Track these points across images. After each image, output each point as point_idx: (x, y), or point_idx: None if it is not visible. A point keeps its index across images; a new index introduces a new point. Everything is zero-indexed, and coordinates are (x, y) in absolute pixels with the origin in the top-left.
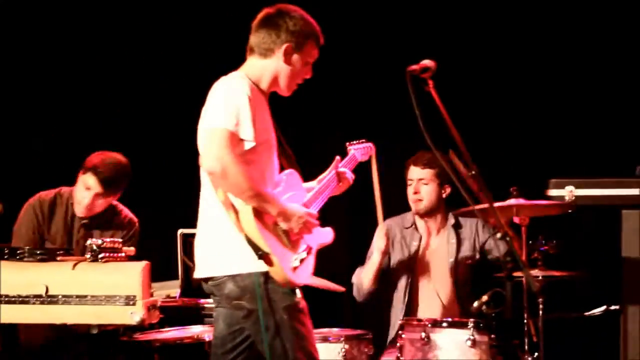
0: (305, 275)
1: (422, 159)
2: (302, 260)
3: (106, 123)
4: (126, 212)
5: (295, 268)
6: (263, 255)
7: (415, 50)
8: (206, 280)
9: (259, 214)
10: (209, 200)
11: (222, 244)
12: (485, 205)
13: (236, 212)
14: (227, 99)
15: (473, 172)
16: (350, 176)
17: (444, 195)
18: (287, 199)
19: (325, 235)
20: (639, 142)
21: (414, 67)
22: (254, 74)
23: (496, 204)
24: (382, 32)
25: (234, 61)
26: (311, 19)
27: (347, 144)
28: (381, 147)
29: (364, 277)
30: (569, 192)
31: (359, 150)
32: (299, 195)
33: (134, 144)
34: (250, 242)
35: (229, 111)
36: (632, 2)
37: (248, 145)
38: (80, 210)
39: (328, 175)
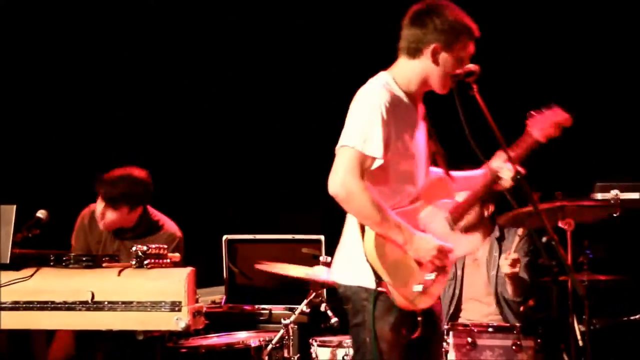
0: (432, 297)
1: None
2: (429, 283)
3: (151, 132)
4: (168, 225)
5: (420, 293)
6: (380, 284)
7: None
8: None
9: (379, 238)
10: None
11: (349, 252)
12: (531, 209)
13: (363, 233)
14: (359, 115)
15: (521, 176)
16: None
17: (486, 214)
18: (427, 214)
19: (466, 244)
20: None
21: (458, 71)
22: (403, 75)
23: (543, 206)
24: None
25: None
26: (462, 14)
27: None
28: None
29: None
30: (614, 195)
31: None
32: (442, 205)
33: (181, 150)
34: (371, 267)
35: (358, 128)
36: None
37: (377, 162)
38: (100, 224)
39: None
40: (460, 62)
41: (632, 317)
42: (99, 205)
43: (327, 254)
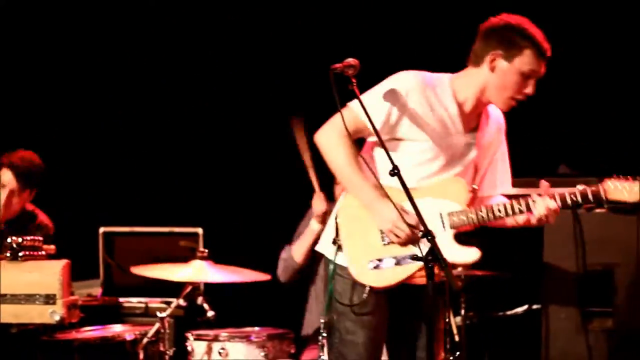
0: (389, 279)
1: None
2: (386, 262)
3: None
4: (42, 217)
5: (376, 266)
6: (336, 243)
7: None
8: None
9: (357, 202)
10: None
11: (328, 223)
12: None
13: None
14: (379, 89)
15: (395, 171)
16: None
17: None
18: (422, 204)
19: (456, 253)
20: (562, 141)
21: (337, 65)
22: (460, 80)
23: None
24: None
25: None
26: (533, 30)
27: None
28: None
29: (295, 251)
30: None
31: None
32: (444, 204)
33: (57, 140)
34: (336, 225)
35: (370, 95)
36: None
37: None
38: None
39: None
40: (525, 79)
41: (507, 312)
42: (2, 189)
43: (205, 247)
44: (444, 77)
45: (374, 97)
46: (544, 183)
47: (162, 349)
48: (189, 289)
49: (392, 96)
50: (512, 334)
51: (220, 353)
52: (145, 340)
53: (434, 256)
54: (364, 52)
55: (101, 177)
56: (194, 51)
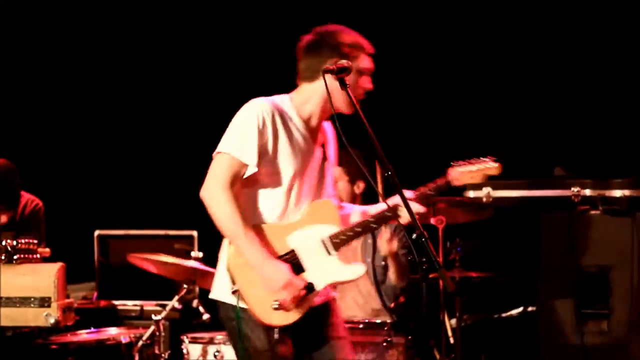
0: (294, 314)
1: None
2: (290, 301)
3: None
4: (27, 195)
5: (277, 309)
6: (236, 292)
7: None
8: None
9: None
10: None
11: (219, 267)
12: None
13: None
14: (238, 123)
15: (389, 172)
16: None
17: (357, 191)
18: (302, 235)
19: (345, 272)
20: (558, 143)
21: (330, 66)
22: (300, 98)
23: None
24: None
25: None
26: (352, 33)
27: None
28: None
29: None
30: (486, 193)
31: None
32: (321, 229)
33: (52, 144)
34: (230, 275)
35: (234, 136)
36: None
37: (251, 170)
38: None
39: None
40: (361, 76)
41: (502, 314)
42: None
43: (199, 249)
44: (285, 98)
45: (240, 134)
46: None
47: (157, 351)
48: (184, 291)
49: (256, 127)
50: (508, 336)
51: (215, 356)
52: (140, 343)
53: (428, 258)
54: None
55: (97, 180)
56: (190, 55)
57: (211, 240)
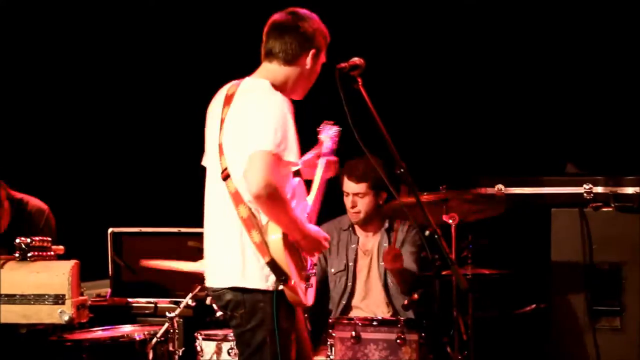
0: (312, 294)
1: (355, 171)
2: (308, 285)
3: (35, 122)
4: (33, 201)
5: (306, 288)
6: (286, 280)
7: (341, 49)
8: (214, 290)
9: (286, 237)
10: (228, 214)
11: (237, 257)
12: (413, 200)
13: (261, 233)
14: (273, 119)
15: (402, 170)
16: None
17: (380, 202)
18: (299, 211)
19: None
20: (570, 140)
21: (343, 64)
22: (279, 81)
23: (426, 199)
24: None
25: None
26: (319, 20)
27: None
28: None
29: None
30: (498, 189)
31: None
32: (305, 205)
33: (66, 142)
34: (275, 267)
35: (276, 133)
36: None
37: (294, 168)
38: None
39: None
40: (318, 68)
41: (515, 311)
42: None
43: None
44: (266, 83)
45: (283, 133)
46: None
47: (171, 348)
48: (197, 288)
49: (291, 124)
50: (520, 333)
51: (229, 353)
52: (154, 340)
53: (441, 256)
54: (369, 51)
55: (110, 178)
56: (200, 53)
57: None
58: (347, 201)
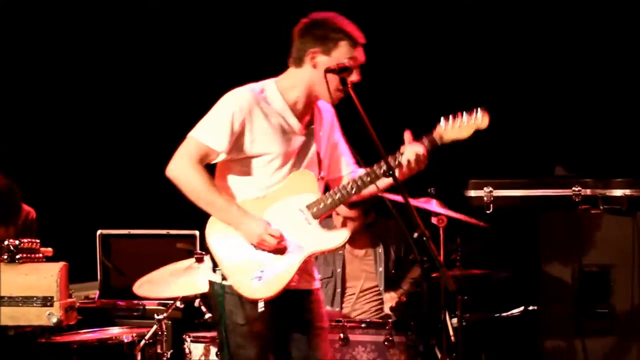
0: (275, 285)
1: None
2: (264, 277)
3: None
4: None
5: (260, 278)
6: (215, 267)
7: None
8: None
9: (216, 223)
10: None
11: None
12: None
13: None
14: (214, 110)
15: (391, 172)
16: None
17: (369, 220)
18: (280, 206)
19: (326, 241)
20: (558, 142)
21: (332, 66)
22: (286, 83)
23: (415, 203)
24: None
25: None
26: (343, 22)
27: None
28: None
29: None
30: (487, 192)
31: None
32: (300, 199)
33: (54, 144)
34: (210, 254)
35: (207, 122)
36: None
37: (221, 156)
38: None
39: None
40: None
41: (504, 314)
42: None
43: (202, 249)
44: (268, 84)
45: (213, 121)
46: (407, 134)
47: (159, 351)
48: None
49: (231, 116)
50: (509, 335)
51: (217, 355)
52: (142, 342)
53: (429, 257)
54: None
55: (99, 180)
56: (191, 56)
57: None
58: (337, 221)
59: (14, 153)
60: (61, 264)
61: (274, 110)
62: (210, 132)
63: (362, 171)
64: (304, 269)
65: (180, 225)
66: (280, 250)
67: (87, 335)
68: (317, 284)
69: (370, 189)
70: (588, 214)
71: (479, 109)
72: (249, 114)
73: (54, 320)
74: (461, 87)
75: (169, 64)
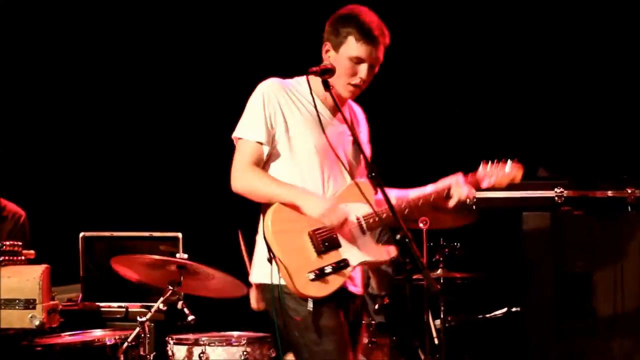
0: (329, 286)
1: None
2: (324, 275)
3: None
4: (10, 206)
5: (315, 276)
6: (272, 258)
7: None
8: None
9: (285, 216)
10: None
11: (256, 252)
12: (384, 205)
13: (264, 214)
14: (246, 108)
15: (373, 174)
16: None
17: None
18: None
19: (379, 253)
20: (541, 144)
21: (315, 68)
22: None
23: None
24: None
25: None
26: (360, 17)
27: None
28: None
29: None
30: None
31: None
32: (355, 207)
33: (36, 146)
34: (266, 243)
35: (242, 119)
36: None
37: (266, 150)
38: None
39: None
40: (356, 64)
41: (487, 315)
42: None
43: (185, 251)
44: (302, 79)
45: (247, 115)
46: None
47: (142, 353)
48: (169, 293)
49: (260, 104)
50: (492, 337)
51: (200, 357)
52: (125, 344)
53: (412, 259)
54: None
55: (82, 182)
56: (180, 58)
57: (196, 243)
58: None
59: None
60: (43, 266)
61: (304, 101)
62: (248, 126)
63: (415, 194)
64: (354, 275)
65: (164, 227)
66: (342, 229)
67: (70, 337)
68: (360, 291)
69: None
70: (570, 215)
71: (516, 164)
72: (276, 98)
73: (37, 323)
74: (447, 91)
75: (155, 70)
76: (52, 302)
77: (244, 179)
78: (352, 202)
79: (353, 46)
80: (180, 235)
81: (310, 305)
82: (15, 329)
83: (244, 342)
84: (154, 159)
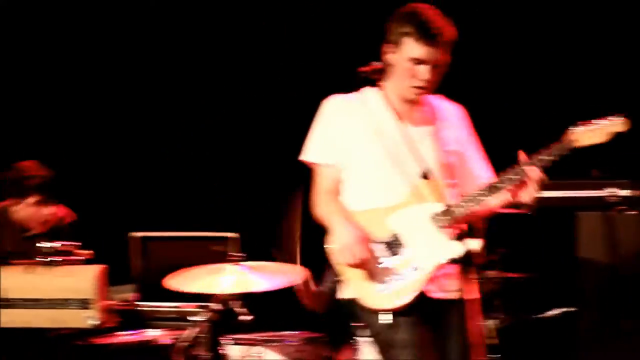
0: (400, 295)
1: None
2: (392, 285)
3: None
4: (64, 210)
5: (386, 287)
6: (338, 282)
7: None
8: None
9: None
10: None
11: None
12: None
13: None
14: (311, 129)
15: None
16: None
17: None
18: (409, 213)
19: (453, 249)
20: (595, 146)
21: (365, 68)
22: (384, 85)
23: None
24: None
25: None
26: (418, 17)
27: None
28: None
29: None
30: None
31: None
32: (427, 208)
33: (91, 148)
34: (336, 266)
35: (308, 141)
36: None
37: (333, 169)
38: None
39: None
40: (415, 64)
41: (542, 315)
42: (29, 206)
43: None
44: (366, 89)
45: (312, 137)
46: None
47: (197, 353)
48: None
49: (321, 125)
50: (547, 337)
51: (255, 357)
52: (180, 344)
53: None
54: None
55: (135, 182)
56: (224, 56)
57: (251, 243)
58: None
59: (50, 156)
60: (99, 266)
61: (368, 109)
62: (314, 149)
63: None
64: (440, 278)
65: (218, 228)
66: (360, 267)
67: (125, 337)
68: (460, 295)
69: (495, 201)
70: (624, 215)
71: (615, 114)
72: (336, 115)
73: (92, 322)
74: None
75: (201, 67)
76: (107, 302)
77: (317, 208)
78: (422, 202)
79: (411, 47)
80: (232, 235)
81: (384, 318)
82: (70, 328)
83: (299, 342)
84: (208, 158)
